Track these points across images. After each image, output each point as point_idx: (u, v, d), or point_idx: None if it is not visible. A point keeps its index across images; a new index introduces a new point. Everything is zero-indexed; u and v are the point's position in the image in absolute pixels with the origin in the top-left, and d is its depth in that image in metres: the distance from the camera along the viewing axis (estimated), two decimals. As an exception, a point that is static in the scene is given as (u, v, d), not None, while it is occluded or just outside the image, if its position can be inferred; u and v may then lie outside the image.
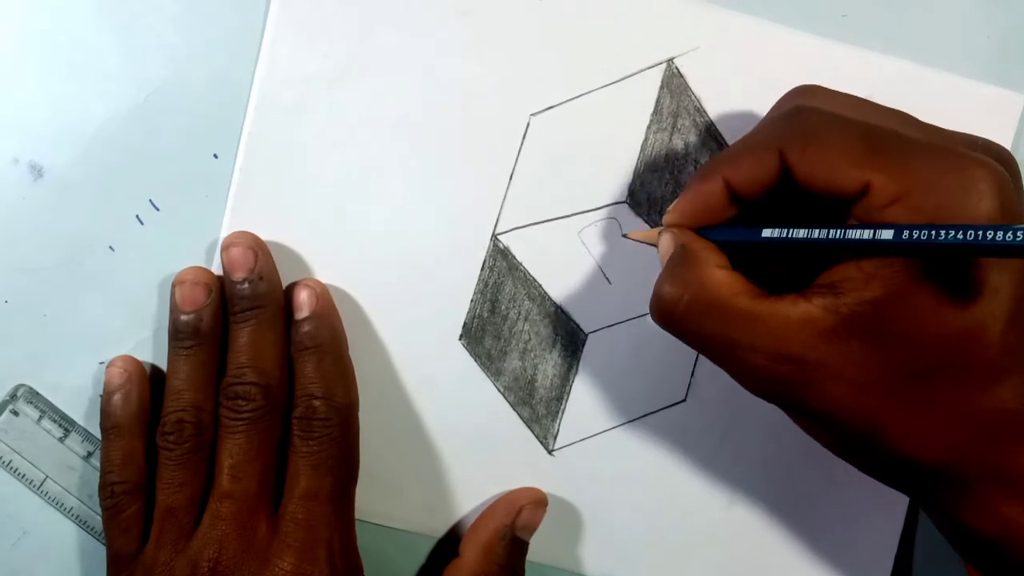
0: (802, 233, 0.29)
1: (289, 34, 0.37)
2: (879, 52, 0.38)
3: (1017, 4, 0.39)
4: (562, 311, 0.39)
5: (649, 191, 0.38)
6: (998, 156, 0.29)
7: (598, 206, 0.38)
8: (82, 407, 0.38)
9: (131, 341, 0.38)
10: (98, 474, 0.36)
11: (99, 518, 0.37)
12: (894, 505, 0.40)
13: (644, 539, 0.40)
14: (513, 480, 0.39)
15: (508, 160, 0.38)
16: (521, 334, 0.39)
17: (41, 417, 0.38)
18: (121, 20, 0.37)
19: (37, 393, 0.38)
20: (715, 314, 0.30)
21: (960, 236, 0.25)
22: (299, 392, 0.36)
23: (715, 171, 0.31)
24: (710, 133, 0.38)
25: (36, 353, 0.38)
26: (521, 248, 0.38)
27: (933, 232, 0.26)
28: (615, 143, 0.38)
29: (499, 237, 0.38)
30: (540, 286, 0.38)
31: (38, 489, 0.38)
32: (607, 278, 0.38)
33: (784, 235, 0.30)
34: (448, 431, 0.39)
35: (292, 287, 0.37)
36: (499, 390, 0.39)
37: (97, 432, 0.37)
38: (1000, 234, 0.25)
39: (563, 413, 0.39)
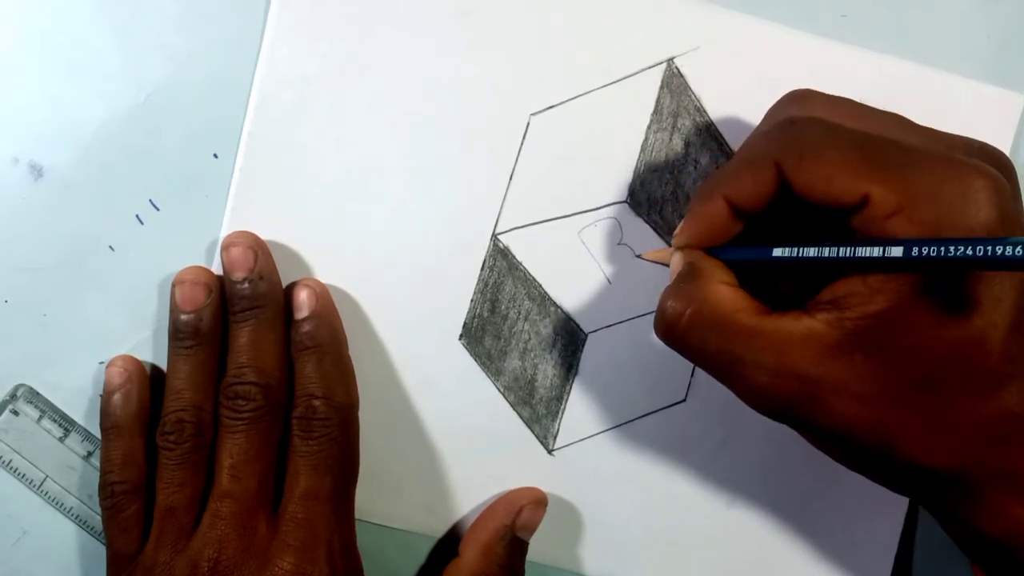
0: (812, 252, 0.29)
1: (289, 34, 0.37)
2: (879, 52, 0.38)
3: (1017, 4, 0.39)
4: (562, 311, 0.39)
5: (649, 191, 0.38)
6: (995, 160, 0.29)
7: (598, 206, 0.38)
8: (82, 407, 0.38)
9: (131, 341, 0.38)
10: (98, 474, 0.36)
11: (99, 518, 0.37)
12: (894, 505, 0.40)
13: (644, 539, 0.40)
14: (513, 480, 0.39)
15: (508, 160, 0.38)
16: (521, 334, 0.39)
17: (41, 417, 0.38)
18: (121, 20, 0.37)
19: (37, 393, 0.38)
20: (718, 330, 0.30)
21: (969, 252, 0.25)
22: (299, 392, 0.36)
23: (715, 190, 0.31)
24: (710, 133, 0.38)
25: (36, 353, 0.38)
26: (521, 248, 0.38)
27: (943, 248, 0.26)
28: (615, 143, 0.38)
29: (499, 237, 0.38)
30: (540, 286, 0.38)
31: (38, 489, 0.38)
32: (607, 278, 0.38)
33: (795, 254, 0.30)
34: (448, 431, 0.39)
35: (292, 287, 0.37)
36: (499, 390, 0.39)
37: (97, 432, 0.37)
38: (1009, 249, 0.25)
39: (563, 413, 0.39)
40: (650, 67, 0.38)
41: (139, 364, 0.37)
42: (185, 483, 0.35)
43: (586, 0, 0.37)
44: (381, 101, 0.37)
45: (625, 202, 0.38)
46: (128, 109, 0.37)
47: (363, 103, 0.37)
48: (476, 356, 0.38)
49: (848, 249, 0.28)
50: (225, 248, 0.36)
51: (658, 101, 0.38)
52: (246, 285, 0.36)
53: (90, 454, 0.38)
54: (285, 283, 0.37)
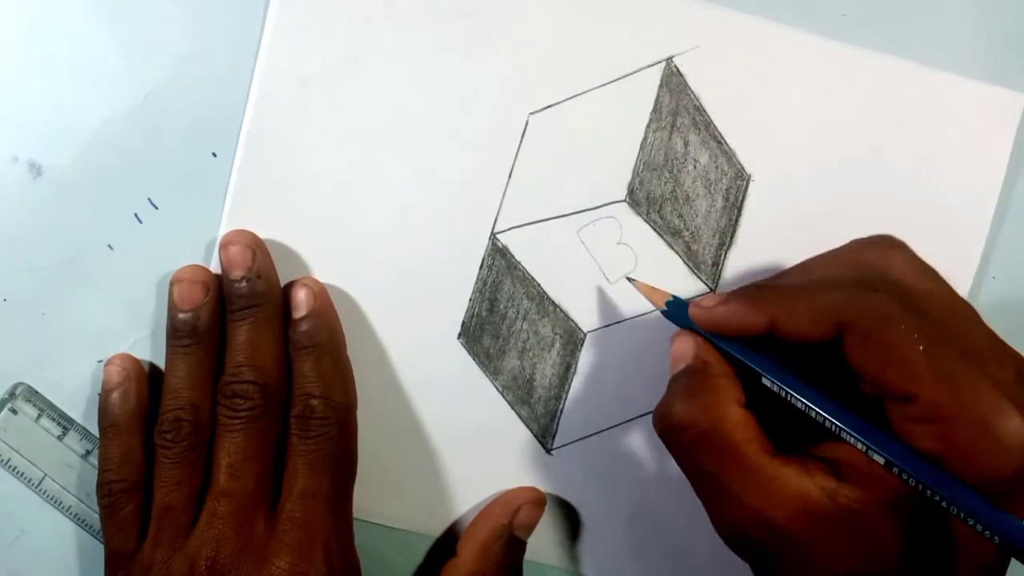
0: (800, 404, 0.29)
1: (289, 33, 0.37)
2: (879, 52, 0.38)
3: (1017, 4, 0.39)
4: (561, 310, 0.38)
5: (648, 190, 0.38)
6: None
7: (597, 205, 0.38)
8: (81, 405, 0.38)
9: (130, 339, 0.38)
10: (96, 472, 0.36)
11: (97, 516, 0.37)
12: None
13: (642, 539, 0.39)
14: (511, 479, 0.39)
15: (507, 159, 0.38)
16: (520, 333, 0.38)
17: (40, 415, 0.38)
18: (121, 20, 0.37)
19: (36, 391, 0.38)
20: (720, 456, 0.29)
21: (957, 504, 0.26)
22: (297, 391, 0.36)
23: (766, 305, 0.30)
24: (709, 132, 0.38)
25: (35, 351, 0.38)
26: (520, 247, 0.38)
27: (928, 486, 0.26)
28: (614, 142, 0.38)
29: (498, 236, 0.38)
30: (539, 285, 0.38)
31: (36, 487, 0.38)
32: (606, 277, 0.38)
33: (783, 394, 0.30)
34: (446, 430, 0.39)
35: (290, 286, 0.37)
36: (498, 389, 0.39)
37: (96, 430, 0.37)
38: (1000, 526, 0.26)
39: (562, 412, 0.39)
40: (649, 66, 0.38)
41: (137, 363, 0.37)
42: (183, 482, 0.35)
43: (586, 0, 0.37)
44: (380, 101, 0.37)
45: (624, 201, 0.38)
46: (127, 108, 0.37)
47: (362, 103, 0.37)
48: (474, 355, 0.38)
49: (834, 424, 0.28)
50: (223, 247, 0.36)
51: (657, 100, 0.38)
52: (244, 284, 0.36)
53: (88, 452, 0.38)
54: (283, 282, 0.37)
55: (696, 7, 0.38)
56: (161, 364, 0.37)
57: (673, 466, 0.32)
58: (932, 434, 0.27)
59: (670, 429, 0.31)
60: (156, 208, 0.37)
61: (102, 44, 0.37)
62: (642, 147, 0.38)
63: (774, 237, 0.38)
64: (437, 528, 0.39)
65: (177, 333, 0.36)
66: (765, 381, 0.30)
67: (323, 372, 0.36)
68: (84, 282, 0.37)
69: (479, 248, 0.38)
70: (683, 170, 0.38)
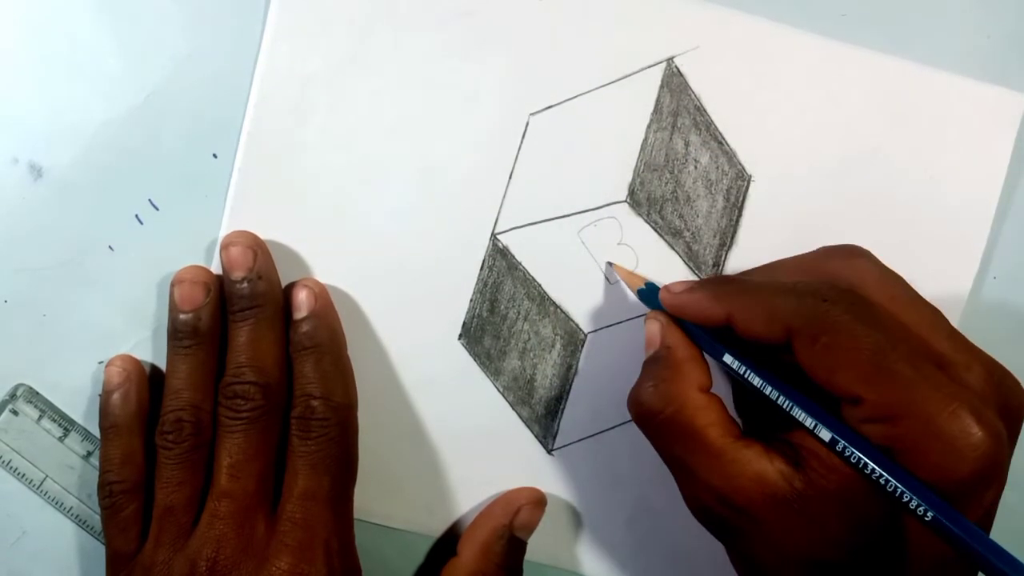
0: (756, 381, 0.31)
1: (289, 34, 0.37)
2: (879, 52, 0.38)
3: (1017, 3, 0.39)
4: (561, 311, 0.38)
5: (649, 190, 0.38)
6: (1008, 397, 0.29)
7: (598, 205, 0.38)
8: (81, 406, 0.38)
9: (130, 340, 0.38)
10: (97, 473, 0.36)
11: (98, 517, 0.37)
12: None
13: (643, 539, 0.39)
14: (512, 480, 0.39)
15: (508, 159, 0.38)
16: (520, 334, 0.38)
17: (41, 416, 0.38)
18: (121, 20, 0.37)
19: (37, 392, 0.38)
20: (684, 440, 0.31)
21: (900, 491, 0.27)
22: (298, 392, 0.36)
23: (726, 300, 0.32)
24: (710, 132, 0.38)
25: (36, 353, 0.38)
26: (520, 247, 0.38)
27: (869, 464, 0.27)
28: (615, 142, 0.38)
29: (498, 236, 0.38)
30: (539, 286, 0.38)
31: (38, 488, 0.38)
32: (607, 278, 0.38)
33: (741, 372, 0.31)
34: (447, 431, 0.39)
35: (291, 287, 0.37)
36: (498, 390, 0.39)
37: (97, 431, 0.37)
38: (932, 514, 0.27)
39: (562, 413, 0.39)
40: (650, 66, 0.38)
41: (138, 364, 0.37)
42: (184, 482, 0.35)
43: (586, 0, 0.37)
44: (381, 101, 0.37)
45: (625, 202, 0.38)
46: (128, 109, 0.37)
47: (363, 103, 0.37)
48: (475, 356, 0.38)
49: (787, 402, 0.30)
50: (224, 247, 0.36)
51: (658, 100, 0.38)
52: (245, 284, 0.36)
53: (89, 454, 0.38)
54: (284, 283, 0.37)
55: (696, 7, 0.38)
56: (162, 365, 0.37)
57: (673, 467, 0.32)
58: (880, 433, 0.28)
59: (641, 415, 0.33)
60: (157, 209, 0.37)
61: (102, 45, 0.37)
62: (643, 147, 0.38)
63: (775, 237, 0.38)
64: (437, 528, 0.39)
65: (178, 334, 0.36)
66: (724, 361, 0.32)
67: (324, 373, 0.36)
68: (85, 283, 0.37)
69: (480, 249, 0.38)
70: (684, 170, 0.38)
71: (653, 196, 0.38)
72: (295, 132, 0.37)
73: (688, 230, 0.38)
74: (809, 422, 0.29)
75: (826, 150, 0.38)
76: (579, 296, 0.38)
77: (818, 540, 0.28)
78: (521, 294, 0.38)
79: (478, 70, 0.37)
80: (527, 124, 0.38)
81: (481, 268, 0.38)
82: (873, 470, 0.27)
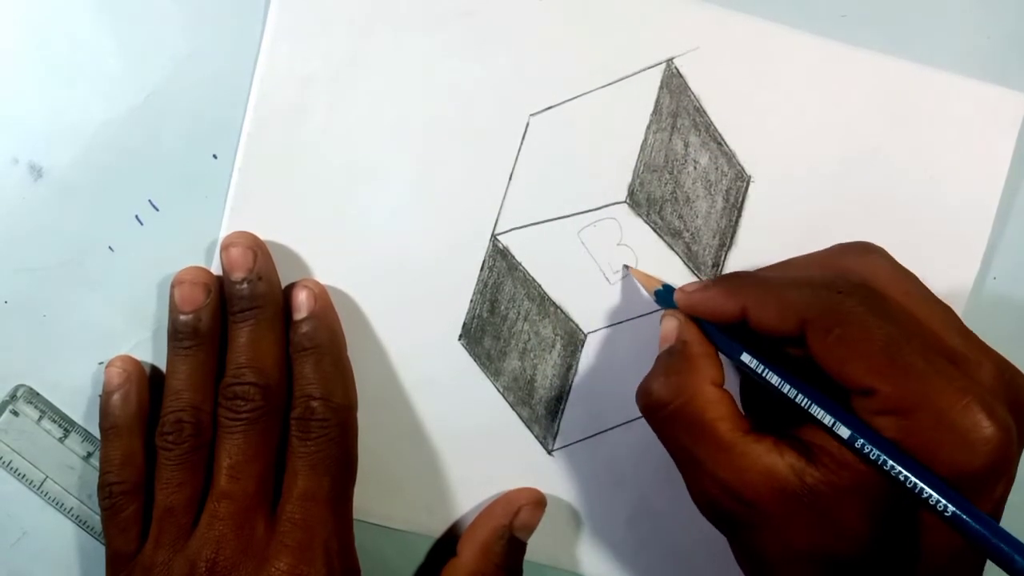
0: (775, 380, 0.31)
1: (289, 34, 0.37)
2: (879, 52, 0.38)
3: (1018, 3, 0.39)
4: (561, 311, 0.38)
5: (649, 191, 0.38)
6: (1017, 394, 0.29)
7: (597, 206, 0.38)
8: (82, 407, 0.38)
9: (131, 341, 0.38)
10: (98, 474, 0.36)
11: (98, 518, 0.37)
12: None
13: (643, 540, 0.40)
14: (512, 480, 0.39)
15: (507, 160, 0.38)
16: (520, 334, 0.38)
17: (41, 417, 0.38)
18: (121, 21, 0.37)
19: (37, 393, 0.38)
20: (693, 432, 0.31)
21: (919, 486, 0.27)
22: (297, 393, 0.36)
23: (740, 295, 0.32)
24: (709, 133, 0.38)
25: (36, 353, 0.38)
26: (520, 248, 0.38)
27: (891, 463, 0.27)
28: (614, 143, 0.38)
29: (498, 237, 0.38)
30: (539, 286, 0.38)
31: (38, 489, 0.38)
32: (607, 278, 0.38)
33: (758, 371, 0.31)
34: (447, 431, 0.39)
35: (290, 288, 0.37)
36: (498, 390, 0.39)
37: (97, 432, 0.37)
38: (952, 508, 0.27)
39: (562, 413, 0.39)
40: (649, 67, 0.38)
41: (138, 364, 0.37)
42: (184, 483, 0.35)
43: (586, 0, 0.37)
44: (381, 101, 0.37)
45: (624, 202, 0.38)
46: (128, 110, 0.37)
47: (363, 103, 0.37)
48: (475, 356, 0.38)
49: (805, 400, 0.30)
50: (224, 248, 0.36)
51: (657, 101, 0.38)
52: (245, 285, 0.36)
53: (90, 454, 0.38)
54: (284, 283, 0.37)
55: (696, 7, 0.38)
56: (162, 366, 0.37)
57: (673, 467, 0.32)
58: (892, 425, 0.28)
59: (649, 406, 0.33)
60: (157, 210, 0.37)
61: (102, 45, 0.37)
62: (642, 148, 0.38)
63: (774, 238, 0.38)
64: (437, 529, 0.39)
65: (178, 335, 0.36)
66: (742, 359, 0.32)
67: (323, 374, 0.36)
68: (85, 284, 0.37)
69: (480, 249, 0.38)
70: (683, 171, 0.38)
71: (653, 197, 0.38)
72: (295, 132, 0.37)
73: (688, 231, 0.38)
74: (828, 420, 0.29)
75: (826, 150, 0.38)
76: (579, 296, 0.38)
77: (830, 535, 0.28)
78: (521, 294, 0.38)
79: (478, 70, 0.37)
80: (527, 124, 0.38)
81: (481, 269, 0.38)
82: (892, 467, 0.27)
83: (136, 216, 0.37)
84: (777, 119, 0.38)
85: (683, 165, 0.38)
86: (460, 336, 0.38)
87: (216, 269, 0.37)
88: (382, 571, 0.39)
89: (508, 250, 0.38)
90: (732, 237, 0.38)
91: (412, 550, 0.40)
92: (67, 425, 0.38)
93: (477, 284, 0.38)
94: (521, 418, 0.39)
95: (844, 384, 0.29)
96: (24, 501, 0.38)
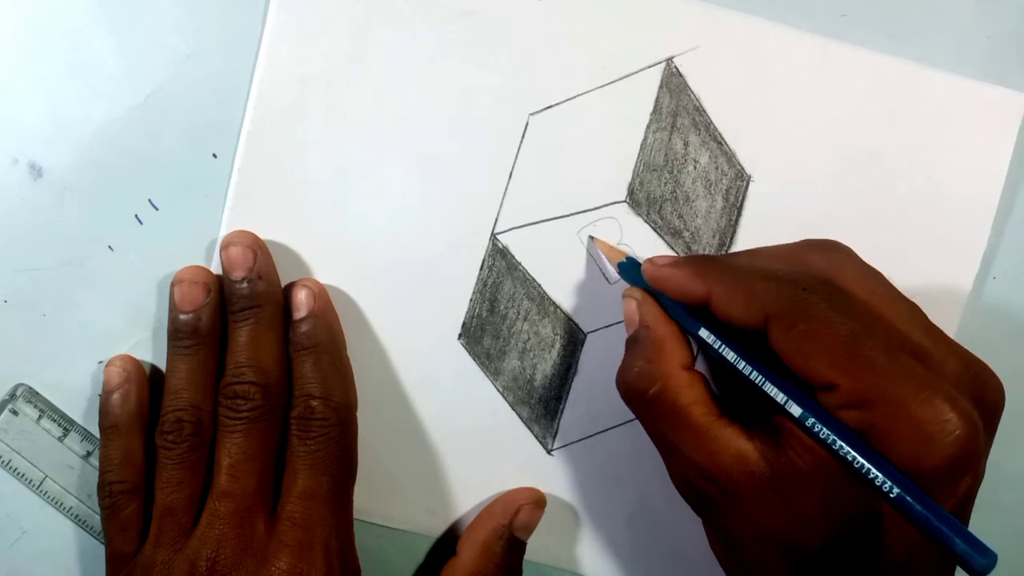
0: (731, 355, 0.31)
1: (288, 34, 0.37)
2: (879, 52, 0.38)
3: (1018, 3, 0.39)
4: (561, 311, 0.38)
5: (648, 190, 0.38)
6: (983, 388, 0.30)
7: (597, 205, 0.38)
8: (81, 406, 0.38)
9: (130, 340, 0.38)
10: (97, 473, 0.36)
11: (98, 517, 0.37)
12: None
13: (643, 539, 0.39)
14: (512, 480, 0.39)
15: (507, 159, 0.38)
16: (520, 334, 0.38)
17: (40, 416, 0.38)
18: (121, 20, 0.37)
19: (36, 392, 0.38)
20: (669, 418, 0.32)
21: (871, 471, 0.27)
22: (297, 392, 0.36)
23: (708, 279, 0.32)
24: (709, 132, 0.38)
25: (36, 353, 0.38)
26: (520, 247, 0.38)
27: (840, 443, 0.28)
28: (614, 142, 0.38)
29: (498, 236, 0.38)
30: (539, 286, 0.38)
31: (37, 488, 0.38)
32: (606, 278, 0.38)
33: (716, 346, 0.31)
34: (447, 431, 0.39)
35: (290, 287, 0.37)
36: (498, 390, 0.39)
37: (96, 431, 0.37)
38: (909, 499, 0.27)
39: (562, 413, 0.39)
40: (649, 67, 0.38)
41: (138, 364, 0.37)
42: (184, 482, 0.35)
43: (586, 0, 0.37)
44: (380, 101, 0.37)
45: (624, 201, 0.38)
46: (127, 109, 0.37)
47: (363, 103, 0.37)
48: (475, 356, 0.38)
49: (759, 377, 0.30)
50: (224, 248, 0.36)
51: (657, 100, 0.38)
52: (245, 285, 0.36)
53: (89, 454, 0.38)
54: (284, 283, 0.37)
55: (696, 7, 0.38)
56: (162, 365, 0.37)
57: (673, 467, 0.32)
58: (854, 418, 0.28)
59: (628, 394, 0.33)
60: (156, 209, 0.37)
61: (102, 45, 0.37)
62: (642, 148, 0.38)
63: (774, 237, 0.38)
64: (437, 528, 0.39)
65: (178, 334, 0.36)
66: (699, 335, 0.32)
67: (323, 373, 0.36)
68: (85, 283, 0.37)
69: (479, 249, 0.38)
70: (683, 171, 0.38)
71: (652, 196, 0.38)
72: (295, 132, 0.37)
73: (687, 230, 0.38)
74: (780, 398, 0.29)
75: (826, 150, 0.38)
76: (579, 296, 0.38)
77: (794, 520, 0.29)
78: (521, 294, 0.38)
79: (478, 70, 0.37)
80: (527, 124, 0.38)
81: (481, 268, 0.38)
82: (841, 447, 0.28)
83: (136, 216, 0.37)
84: (777, 119, 0.38)
85: (683, 164, 0.38)
86: (460, 335, 0.38)
87: (216, 268, 0.37)
88: (382, 571, 0.39)
89: (508, 249, 0.38)
90: (732, 236, 0.38)
91: (412, 550, 0.39)
92: (66, 424, 0.38)
93: (477, 283, 0.38)
94: (521, 417, 0.39)
95: (807, 379, 0.29)
96: (23, 501, 0.38)
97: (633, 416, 0.39)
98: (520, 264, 0.38)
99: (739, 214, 0.38)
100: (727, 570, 0.33)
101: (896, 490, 0.27)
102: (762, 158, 0.38)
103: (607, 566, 0.40)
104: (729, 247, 0.38)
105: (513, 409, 0.39)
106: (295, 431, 0.35)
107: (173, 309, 0.36)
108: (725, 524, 0.31)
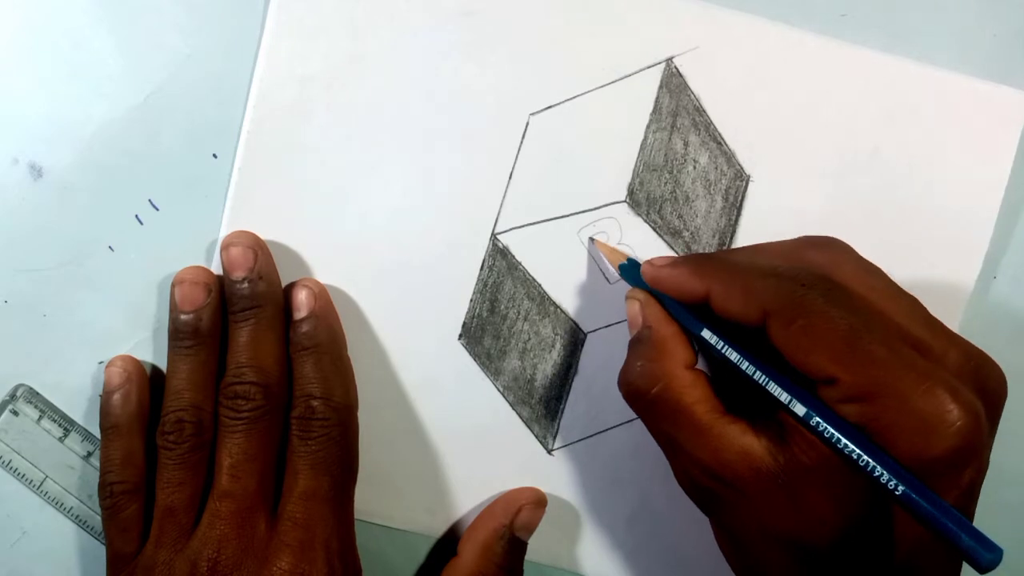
0: (734, 356, 0.31)
1: (288, 34, 0.37)
2: (879, 51, 0.38)
3: (1021, 2, 0.39)
4: (561, 311, 0.38)
5: (648, 190, 0.38)
6: (985, 378, 0.30)
7: (597, 205, 0.38)
8: (82, 407, 0.38)
9: (131, 341, 0.38)
10: (98, 474, 0.36)
11: (99, 518, 0.37)
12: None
13: (643, 539, 0.40)
14: (512, 480, 0.39)
15: (507, 159, 0.38)
16: (520, 334, 0.38)
17: (41, 417, 0.38)
18: (121, 20, 0.37)
19: (37, 393, 0.38)
20: (673, 417, 0.32)
21: (875, 469, 0.27)
22: (298, 392, 0.36)
23: (707, 277, 0.32)
24: (709, 132, 0.38)
25: (36, 353, 0.38)
26: (520, 247, 0.38)
27: (843, 441, 0.28)
28: (614, 142, 0.38)
29: (498, 236, 0.38)
30: (539, 286, 0.38)
31: (38, 489, 0.38)
32: (606, 278, 0.38)
33: (720, 348, 0.32)
34: (447, 431, 0.39)
35: (290, 287, 0.37)
36: (498, 390, 0.39)
37: (97, 432, 0.37)
38: (913, 495, 0.27)
39: (562, 413, 0.39)
40: (649, 66, 0.38)
41: (138, 364, 0.37)
42: (184, 483, 0.35)
43: (586, 0, 0.37)
44: (380, 101, 0.37)
45: (624, 201, 0.38)
46: (128, 109, 0.37)
47: (362, 103, 0.37)
48: (475, 356, 0.38)
49: (763, 378, 0.30)
50: (224, 248, 0.36)
51: (657, 100, 0.38)
52: (245, 285, 0.36)
53: (90, 454, 0.38)
54: (284, 283, 0.37)
55: (696, 7, 0.38)
56: (162, 365, 0.37)
57: (674, 466, 0.32)
58: (856, 412, 0.28)
59: (630, 395, 0.33)
60: (157, 209, 0.37)
61: (102, 45, 0.37)
62: (642, 148, 0.38)
63: (774, 237, 0.38)
64: (438, 528, 0.39)
65: (179, 334, 0.36)
66: (702, 335, 0.32)
67: (324, 373, 0.36)
68: (85, 283, 0.37)
69: (480, 249, 0.38)
70: (683, 171, 0.38)
71: (652, 196, 0.38)
72: (295, 132, 0.37)
73: (687, 230, 0.38)
74: (784, 397, 0.29)
75: (826, 150, 0.38)
76: (579, 296, 0.38)
77: (800, 518, 0.29)
78: (521, 294, 0.38)
79: (478, 70, 0.37)
80: (527, 124, 0.38)
81: (481, 268, 0.38)
82: (845, 445, 0.28)
83: (136, 216, 0.37)
84: (777, 118, 0.38)
85: (683, 164, 0.38)
86: (460, 335, 0.38)
87: (216, 268, 0.37)
88: (383, 571, 0.39)
89: (508, 249, 0.38)
90: (732, 236, 0.38)
91: (413, 550, 0.40)
92: (67, 425, 0.38)
93: (477, 283, 0.38)
94: (521, 417, 0.39)
95: (807, 374, 0.29)
96: (24, 501, 0.38)
97: (634, 416, 0.39)
98: (520, 264, 0.38)
99: (739, 214, 0.38)
100: (734, 568, 0.33)
101: (901, 487, 0.27)
102: (762, 158, 0.38)
103: (608, 566, 0.40)
104: (729, 247, 0.38)
105: (513, 409, 0.39)
106: (296, 431, 0.35)
107: (174, 309, 0.36)
108: (731, 522, 0.31)
